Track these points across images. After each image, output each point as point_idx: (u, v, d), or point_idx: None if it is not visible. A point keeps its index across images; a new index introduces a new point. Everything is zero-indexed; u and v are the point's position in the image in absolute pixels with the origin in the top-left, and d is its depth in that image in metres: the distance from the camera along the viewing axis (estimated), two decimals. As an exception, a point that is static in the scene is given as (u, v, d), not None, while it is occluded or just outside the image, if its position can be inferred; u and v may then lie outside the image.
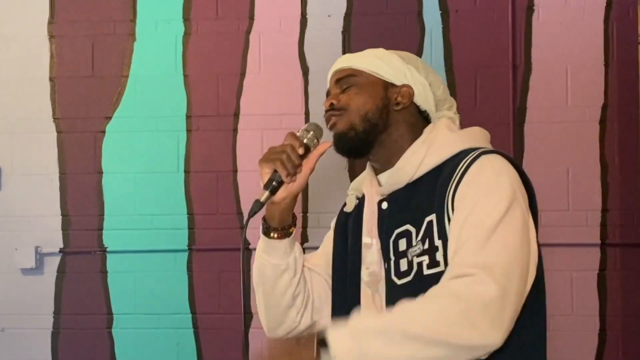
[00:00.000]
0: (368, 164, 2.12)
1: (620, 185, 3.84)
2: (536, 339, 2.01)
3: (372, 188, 2.06)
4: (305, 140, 2.01)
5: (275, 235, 2.06)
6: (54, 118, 4.12)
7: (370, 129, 2.02)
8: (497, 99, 3.92)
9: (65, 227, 4.08)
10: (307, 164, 2.03)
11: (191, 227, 4.00)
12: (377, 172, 2.09)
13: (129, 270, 4.01)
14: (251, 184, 3.88)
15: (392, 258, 1.96)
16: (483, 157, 1.91)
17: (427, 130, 2.04)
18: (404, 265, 1.93)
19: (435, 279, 1.83)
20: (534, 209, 1.97)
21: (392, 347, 1.72)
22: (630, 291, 3.78)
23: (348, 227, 2.13)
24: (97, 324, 4.04)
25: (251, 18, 4.05)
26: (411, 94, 2.06)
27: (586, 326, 3.85)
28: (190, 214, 4.01)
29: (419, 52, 3.92)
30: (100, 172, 4.08)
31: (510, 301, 1.76)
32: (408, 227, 1.95)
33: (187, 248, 3.93)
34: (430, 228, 1.90)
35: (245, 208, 3.87)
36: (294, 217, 2.09)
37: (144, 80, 4.09)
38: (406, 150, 2.02)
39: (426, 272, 1.88)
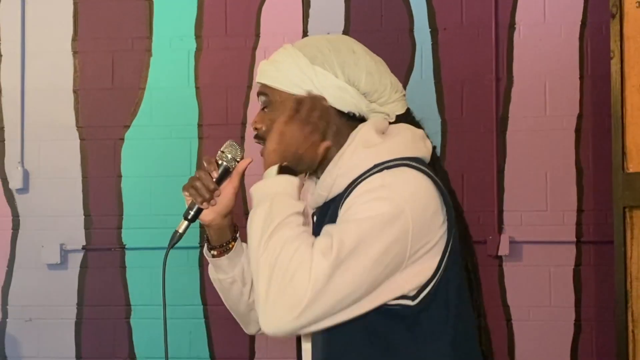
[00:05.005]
0: None
1: (594, 187, 3.85)
2: (445, 349, 1.68)
3: (309, 196, 1.82)
4: (224, 163, 1.89)
5: (215, 253, 1.93)
6: (77, 126, 4.13)
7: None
8: (481, 109, 3.93)
9: (88, 226, 4.09)
10: (230, 184, 1.89)
11: (202, 226, 4.00)
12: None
13: (145, 265, 4.02)
14: (257, 186, 3.88)
15: None
16: (384, 171, 1.64)
17: (349, 139, 1.72)
18: None
19: None
20: (449, 221, 1.68)
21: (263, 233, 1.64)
22: (603, 285, 3.78)
23: None
24: (116, 314, 4.05)
25: (257, 35, 4.07)
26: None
27: (563, 317, 3.86)
28: (202, 214, 4.03)
29: (410, 66, 3.93)
30: (120, 176, 4.09)
31: (322, 302, 1.56)
32: None
33: (199, 245, 3.94)
34: None
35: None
36: (235, 230, 1.94)
37: (159, 92, 4.10)
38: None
39: None
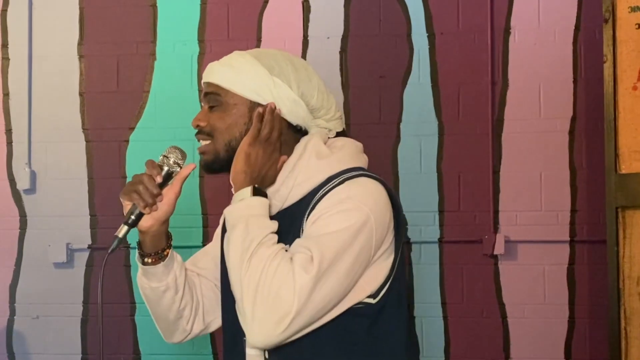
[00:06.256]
0: None
1: (587, 188, 3.87)
2: (401, 339, 1.78)
3: None
4: (166, 168, 1.80)
5: (150, 261, 1.85)
6: (83, 129, 4.14)
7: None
8: (477, 112, 3.95)
9: (93, 225, 4.11)
10: (171, 190, 1.81)
11: (205, 226, 4.02)
12: None
13: (150, 264, 4.03)
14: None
15: None
16: (346, 183, 1.70)
17: (298, 150, 1.77)
18: None
19: None
20: (399, 223, 1.76)
21: (241, 248, 1.65)
22: (596, 283, 3.80)
23: None
24: (121, 311, 4.06)
25: (258, 39, 4.08)
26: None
27: (557, 314, 3.87)
28: (205, 214, 4.04)
29: (407, 70, 3.94)
30: (124, 177, 4.10)
31: (306, 316, 1.62)
32: None
33: (201, 244, 3.95)
34: None
35: (254, 209, 3.88)
36: (169, 238, 1.88)
37: (163, 95, 4.12)
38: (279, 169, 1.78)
39: None
